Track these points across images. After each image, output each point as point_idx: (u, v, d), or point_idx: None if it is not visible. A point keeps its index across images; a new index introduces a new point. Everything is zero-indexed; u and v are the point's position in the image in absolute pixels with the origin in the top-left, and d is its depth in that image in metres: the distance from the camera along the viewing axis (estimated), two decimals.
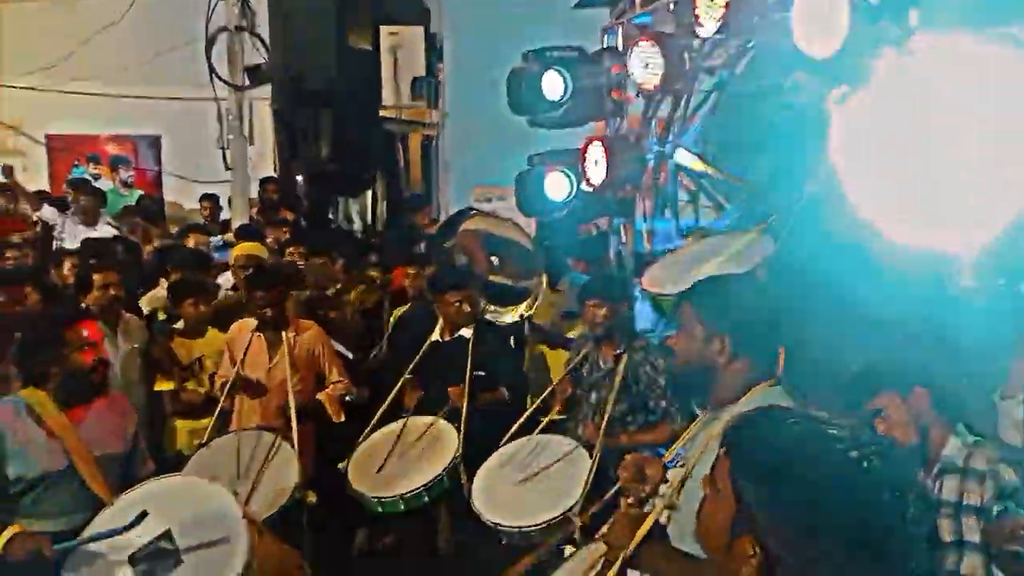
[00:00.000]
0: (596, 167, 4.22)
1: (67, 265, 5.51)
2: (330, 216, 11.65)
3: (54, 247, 7.13)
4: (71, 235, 7.24)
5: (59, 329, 3.01)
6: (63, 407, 2.95)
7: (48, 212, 7.36)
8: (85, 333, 3.03)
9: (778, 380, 2.07)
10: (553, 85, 4.52)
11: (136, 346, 4.56)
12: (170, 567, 2.53)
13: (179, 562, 2.54)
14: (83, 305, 4.30)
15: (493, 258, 4.49)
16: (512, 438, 3.71)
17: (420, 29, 8.69)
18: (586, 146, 4.31)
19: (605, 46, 4.74)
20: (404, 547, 4.64)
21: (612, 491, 2.63)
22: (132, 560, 2.52)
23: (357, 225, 11.40)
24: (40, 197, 8.17)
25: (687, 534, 1.63)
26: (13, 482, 2.81)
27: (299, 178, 9.90)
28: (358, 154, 10.72)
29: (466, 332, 4.22)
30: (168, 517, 2.58)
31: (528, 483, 3.47)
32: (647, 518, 1.95)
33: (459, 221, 4.76)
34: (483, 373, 4.10)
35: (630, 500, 2.00)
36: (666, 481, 2.02)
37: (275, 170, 9.68)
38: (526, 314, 4.35)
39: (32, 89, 8.91)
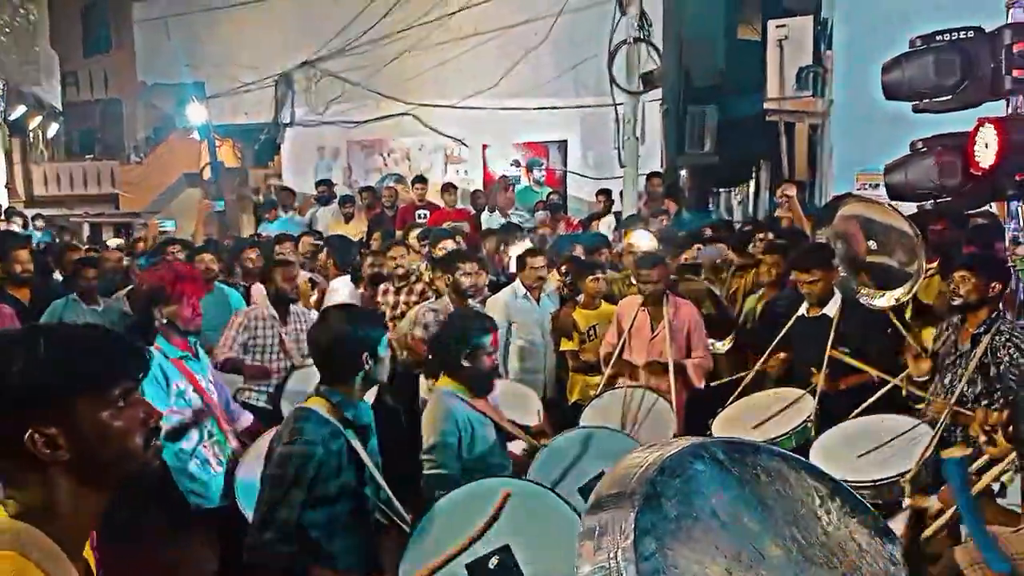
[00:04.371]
0: (986, 150, 4.04)
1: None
2: (710, 207, 12.17)
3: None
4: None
5: (482, 334, 3.31)
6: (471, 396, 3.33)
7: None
8: (490, 339, 3.31)
9: None
10: (943, 70, 4.39)
11: (550, 313, 5.67)
12: None
13: None
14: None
15: (871, 243, 4.52)
16: (865, 413, 3.85)
17: (809, 19, 8.66)
18: (976, 128, 4.14)
19: (1010, 22, 4.45)
20: None
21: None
22: None
23: (737, 215, 11.71)
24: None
25: None
26: (471, 459, 3.21)
27: (683, 172, 10.62)
28: (739, 147, 11.00)
29: (830, 311, 4.42)
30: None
31: (867, 451, 3.58)
32: (982, 479, 2.14)
33: (838, 206, 4.84)
34: (847, 350, 4.25)
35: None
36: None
37: (661, 165, 10.53)
38: (903, 299, 4.34)
39: (474, 108, 11.04)
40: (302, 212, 10.75)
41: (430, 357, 3.68)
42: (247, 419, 4.13)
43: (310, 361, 4.51)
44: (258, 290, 6.30)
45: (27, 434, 1.26)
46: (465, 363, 3.28)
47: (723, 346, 5.31)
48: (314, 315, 5.55)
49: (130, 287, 6.25)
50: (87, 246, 8.87)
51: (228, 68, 11.73)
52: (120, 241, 12.89)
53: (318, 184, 10.87)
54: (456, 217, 8.91)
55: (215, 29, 11.78)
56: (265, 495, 2.55)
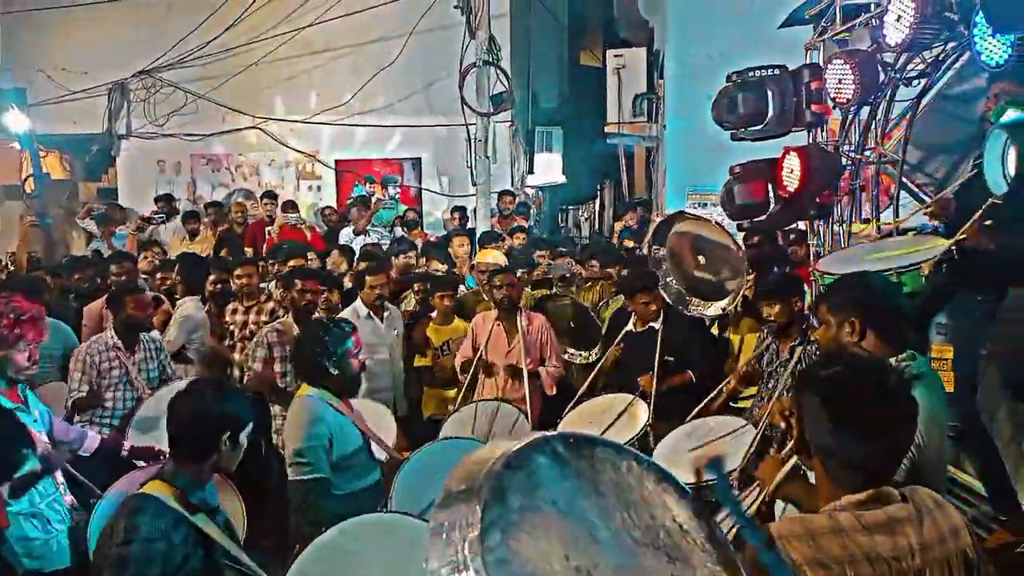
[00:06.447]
0: (791, 175, 4.58)
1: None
2: (560, 223, 12.71)
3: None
4: (351, 242, 8.80)
5: (344, 339, 3.35)
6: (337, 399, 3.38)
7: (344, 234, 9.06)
8: (352, 342, 3.36)
9: (912, 353, 2.47)
10: (754, 103, 4.92)
11: (398, 332, 5.68)
12: None
13: None
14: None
15: (700, 257, 4.92)
16: (697, 417, 4.19)
17: (643, 50, 9.32)
18: (783, 156, 4.68)
19: (808, 62, 5.06)
20: None
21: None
22: None
23: (584, 231, 12.29)
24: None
25: None
26: (340, 458, 3.25)
27: (533, 190, 11.02)
28: (584, 167, 11.62)
29: (656, 324, 4.80)
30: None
31: (699, 451, 3.89)
32: (789, 460, 2.45)
33: (671, 224, 5.21)
34: (672, 359, 4.65)
35: (776, 447, 2.52)
36: None
37: (512, 184, 10.87)
38: (728, 309, 4.77)
39: (326, 124, 10.87)
40: (141, 228, 10.14)
41: (295, 373, 3.66)
42: (93, 440, 3.79)
43: (163, 391, 4.32)
44: (91, 312, 5.90)
45: None
46: (333, 371, 3.33)
47: (588, 356, 5.54)
48: (159, 336, 5.26)
49: None
50: None
51: (54, 73, 10.85)
52: None
53: (157, 199, 10.31)
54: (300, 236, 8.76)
55: (38, 32, 10.89)
56: None
